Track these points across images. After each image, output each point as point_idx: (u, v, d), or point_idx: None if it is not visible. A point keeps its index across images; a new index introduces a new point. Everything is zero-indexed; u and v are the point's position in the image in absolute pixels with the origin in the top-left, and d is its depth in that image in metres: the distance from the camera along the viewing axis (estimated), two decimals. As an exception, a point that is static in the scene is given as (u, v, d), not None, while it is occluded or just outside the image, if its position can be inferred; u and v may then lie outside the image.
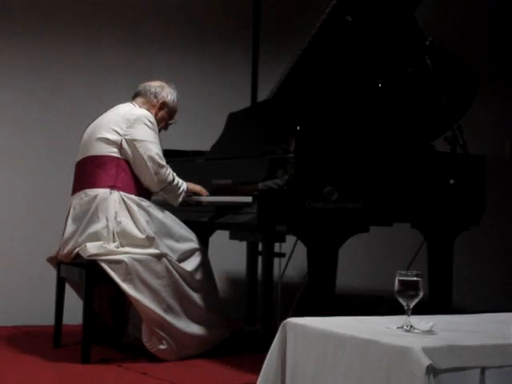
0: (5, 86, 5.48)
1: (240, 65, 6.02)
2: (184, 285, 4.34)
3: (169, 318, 4.25)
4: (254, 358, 3.71)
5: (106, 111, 4.55)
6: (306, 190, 3.97)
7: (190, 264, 4.40)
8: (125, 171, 4.37)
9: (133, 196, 4.34)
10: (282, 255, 4.86)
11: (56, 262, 4.56)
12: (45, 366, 4.13)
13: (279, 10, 6.13)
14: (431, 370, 2.38)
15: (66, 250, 4.38)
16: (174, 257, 4.32)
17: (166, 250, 4.30)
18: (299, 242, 4.19)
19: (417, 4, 4.71)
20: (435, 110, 4.63)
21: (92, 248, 4.21)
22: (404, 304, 2.67)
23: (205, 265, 4.49)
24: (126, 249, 4.24)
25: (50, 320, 4.65)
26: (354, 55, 4.71)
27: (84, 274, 4.24)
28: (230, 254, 5.50)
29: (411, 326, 2.67)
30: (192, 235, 4.49)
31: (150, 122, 4.41)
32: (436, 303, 4.45)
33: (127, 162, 4.38)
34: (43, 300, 5.08)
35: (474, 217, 4.56)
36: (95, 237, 4.26)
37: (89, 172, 4.40)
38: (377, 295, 5.64)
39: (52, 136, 5.54)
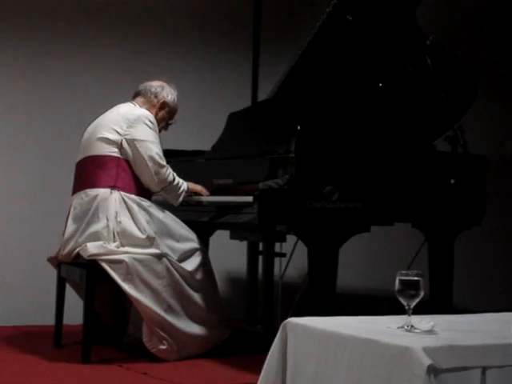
0: (5, 86, 5.48)
1: (240, 64, 6.02)
2: (184, 285, 4.33)
3: (169, 317, 4.25)
4: (254, 358, 3.71)
5: (106, 111, 4.55)
6: (307, 190, 3.97)
7: (191, 264, 4.40)
8: (125, 171, 4.36)
9: (133, 196, 4.34)
10: (282, 255, 4.86)
11: (56, 261, 4.56)
12: (45, 366, 4.13)
13: (279, 9, 6.13)
14: (432, 370, 2.38)
15: (66, 250, 4.38)
16: (174, 257, 4.32)
17: (166, 250, 4.29)
18: (300, 241, 4.19)
19: (417, 3, 4.71)
20: (436, 109, 4.62)
21: (92, 248, 4.21)
22: (405, 304, 2.67)
23: (205, 265, 4.49)
24: (127, 249, 4.24)
25: (50, 320, 4.65)
26: (354, 55, 4.71)
27: (84, 274, 4.24)
28: (230, 254, 5.49)
29: (412, 326, 2.67)
30: (192, 235, 4.48)
31: (150, 121, 4.41)
32: (437, 303, 4.45)
33: (127, 161, 4.38)
34: (43, 300, 5.07)
35: (474, 216, 4.56)
36: (96, 237, 4.26)
37: (89, 172, 4.40)
38: (377, 295, 5.64)
39: (52, 136, 5.54)
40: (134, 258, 4.20)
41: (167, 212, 4.45)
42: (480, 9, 6.60)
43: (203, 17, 5.97)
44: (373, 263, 6.17)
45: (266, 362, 2.95)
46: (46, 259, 4.64)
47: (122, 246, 4.25)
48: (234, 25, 6.03)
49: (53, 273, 4.62)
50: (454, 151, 4.51)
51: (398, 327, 2.69)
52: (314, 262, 4.03)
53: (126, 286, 4.17)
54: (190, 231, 4.49)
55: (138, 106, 4.54)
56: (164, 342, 4.24)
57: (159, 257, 4.26)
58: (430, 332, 2.64)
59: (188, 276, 4.35)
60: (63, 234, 4.43)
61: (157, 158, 4.37)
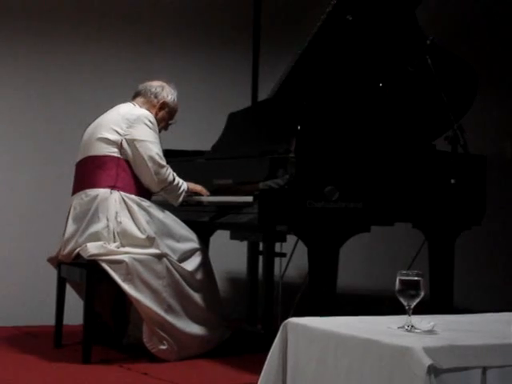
0: (5, 86, 5.48)
1: (240, 64, 6.02)
2: (184, 285, 4.33)
3: (169, 318, 4.25)
4: (254, 358, 3.71)
5: (106, 111, 4.55)
6: (307, 190, 3.97)
7: (191, 264, 4.40)
8: (125, 171, 4.36)
9: (133, 196, 4.33)
10: (282, 255, 4.86)
11: (57, 262, 4.55)
12: (45, 367, 4.13)
13: (280, 9, 6.13)
14: (432, 370, 2.38)
15: (66, 250, 4.38)
16: (174, 257, 4.32)
17: (166, 250, 4.29)
18: (300, 241, 4.19)
19: (417, 3, 4.71)
20: (436, 109, 4.62)
21: (92, 248, 4.21)
22: (405, 304, 2.67)
23: (205, 265, 4.49)
24: (127, 249, 4.23)
25: (50, 320, 4.65)
26: (354, 54, 4.71)
27: (85, 274, 4.24)
28: (230, 254, 5.49)
29: (412, 326, 2.67)
30: (192, 235, 4.48)
31: (150, 121, 4.41)
32: (437, 303, 4.45)
33: (127, 161, 4.37)
34: (44, 300, 5.07)
35: (474, 216, 4.56)
36: (96, 237, 4.26)
37: (89, 172, 4.40)
38: (378, 295, 5.64)
39: (52, 136, 5.54)
40: (134, 258, 4.19)
41: (167, 212, 4.45)
42: (480, 9, 6.60)
43: (203, 17, 5.96)
44: (373, 263, 6.17)
45: (267, 362, 2.94)
46: (46, 259, 4.64)
47: (122, 246, 4.25)
48: (234, 25, 6.02)
49: (53, 273, 4.62)
50: (454, 151, 4.51)
51: (399, 327, 2.69)
52: (314, 261, 4.03)
53: (126, 286, 4.17)
54: (190, 231, 4.49)
55: (137, 106, 4.53)
56: (164, 342, 4.24)
57: (159, 257, 4.26)
58: (431, 332, 2.64)
59: (188, 276, 4.35)
60: (63, 235, 4.42)
61: (157, 158, 4.36)
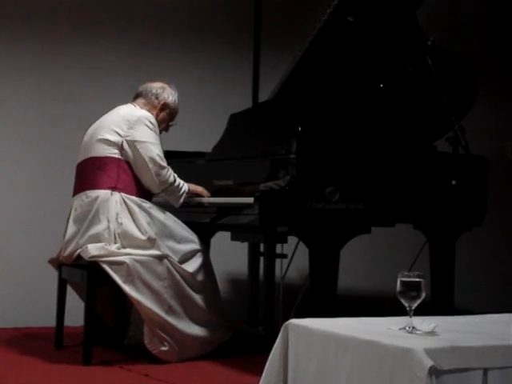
0: (5, 86, 5.48)
1: (241, 65, 6.02)
2: (185, 286, 4.33)
3: (170, 319, 4.25)
4: (255, 360, 3.71)
5: (106, 112, 4.55)
6: (308, 191, 3.97)
7: (192, 265, 4.40)
8: (126, 172, 4.36)
9: (134, 197, 4.33)
10: (283, 256, 4.85)
11: (57, 263, 4.55)
12: (46, 368, 4.13)
13: (280, 10, 6.13)
14: (433, 371, 2.38)
15: (67, 252, 4.38)
16: (175, 258, 4.32)
17: (167, 252, 4.29)
18: (301, 242, 4.19)
19: (418, 4, 4.71)
20: (437, 110, 4.62)
21: (93, 249, 4.21)
22: (406, 305, 2.67)
23: (206, 266, 4.49)
24: (128, 250, 4.23)
25: (51, 322, 4.65)
26: (355, 56, 4.71)
27: (85, 276, 4.24)
28: (231, 255, 5.49)
29: (413, 327, 2.67)
30: (193, 236, 4.48)
31: (150, 123, 4.40)
32: (438, 304, 4.45)
33: (128, 163, 4.37)
34: (44, 302, 5.07)
35: (476, 217, 4.56)
36: (96, 238, 4.26)
37: (90, 173, 4.40)
38: (379, 296, 5.63)
39: (53, 137, 5.54)
40: (135, 260, 4.19)
41: (168, 213, 4.44)
42: (480, 9, 6.60)
43: (204, 18, 5.96)
44: (374, 264, 6.16)
45: (268, 364, 2.95)
46: (46, 261, 4.64)
47: (123, 247, 4.24)
48: (235, 26, 6.02)
49: (54, 274, 4.62)
50: (455, 152, 4.50)
51: (400, 328, 2.69)
52: (315, 263, 4.02)
53: (126, 288, 4.16)
54: (191, 232, 4.49)
55: (138, 107, 4.53)
56: (165, 343, 4.24)
57: (160, 258, 4.26)
58: (432, 333, 2.64)
59: (189, 277, 4.35)
60: (64, 236, 4.42)
61: (157, 159, 4.36)
